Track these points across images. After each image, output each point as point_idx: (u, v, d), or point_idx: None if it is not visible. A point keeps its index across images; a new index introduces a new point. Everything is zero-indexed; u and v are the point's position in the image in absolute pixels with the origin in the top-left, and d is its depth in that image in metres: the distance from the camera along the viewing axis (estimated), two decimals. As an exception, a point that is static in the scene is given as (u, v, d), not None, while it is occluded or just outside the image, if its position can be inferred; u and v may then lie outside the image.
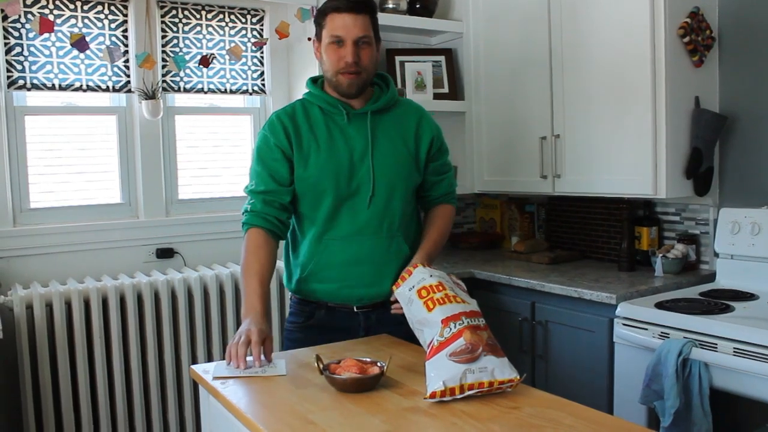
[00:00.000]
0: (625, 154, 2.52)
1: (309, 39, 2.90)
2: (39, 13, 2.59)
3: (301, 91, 3.05)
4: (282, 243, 1.99)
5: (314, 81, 1.96)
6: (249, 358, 1.60)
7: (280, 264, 2.07)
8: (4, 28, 2.55)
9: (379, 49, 1.93)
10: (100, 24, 2.72)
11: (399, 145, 1.92)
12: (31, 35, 2.59)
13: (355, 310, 1.92)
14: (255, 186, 1.88)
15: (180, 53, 2.89)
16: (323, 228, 1.89)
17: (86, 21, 2.69)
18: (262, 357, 1.60)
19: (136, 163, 2.84)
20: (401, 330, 1.83)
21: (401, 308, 1.64)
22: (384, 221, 1.89)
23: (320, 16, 1.87)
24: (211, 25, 2.97)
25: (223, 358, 1.63)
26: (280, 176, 1.87)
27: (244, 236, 1.87)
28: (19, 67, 2.58)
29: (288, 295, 2.81)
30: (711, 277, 2.51)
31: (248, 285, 1.78)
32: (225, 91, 3.02)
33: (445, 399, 1.35)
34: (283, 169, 1.86)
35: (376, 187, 1.87)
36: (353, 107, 1.90)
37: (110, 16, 2.74)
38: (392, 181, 1.89)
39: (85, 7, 2.69)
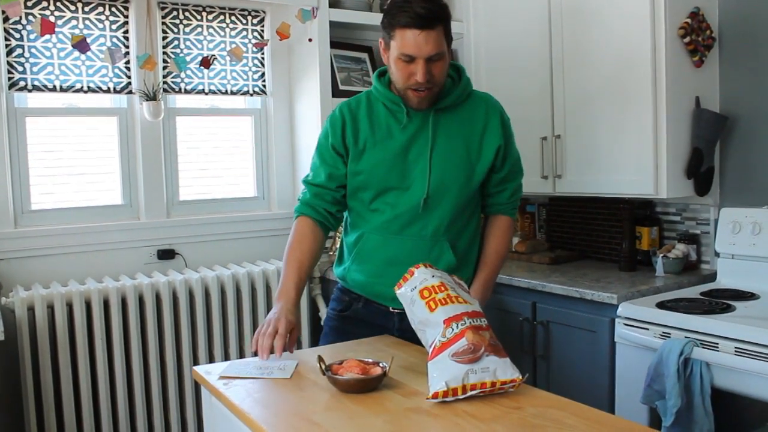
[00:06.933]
0: (625, 154, 2.52)
1: (310, 40, 2.90)
2: (40, 14, 2.59)
3: (301, 92, 3.07)
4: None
5: (381, 75, 1.85)
6: (256, 360, 1.61)
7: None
8: (5, 30, 2.55)
9: (451, 52, 1.79)
10: (101, 25, 2.72)
11: (459, 146, 1.82)
12: (32, 37, 2.59)
13: (391, 310, 1.87)
14: (310, 178, 1.90)
15: (181, 54, 2.89)
16: (369, 223, 1.85)
17: (87, 22, 2.70)
18: (274, 356, 1.61)
19: (137, 165, 2.84)
20: None
21: None
22: (430, 224, 1.81)
23: (389, 27, 1.71)
24: (211, 26, 2.97)
25: (227, 359, 1.63)
26: (334, 172, 1.86)
27: (294, 222, 1.90)
28: (20, 68, 2.58)
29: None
30: (712, 276, 2.51)
31: (287, 272, 1.81)
32: (226, 93, 3.02)
33: (447, 399, 1.35)
34: (338, 165, 1.85)
35: (430, 188, 1.79)
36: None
37: (111, 18, 2.74)
38: (446, 184, 1.80)
39: (86, 9, 2.69)
